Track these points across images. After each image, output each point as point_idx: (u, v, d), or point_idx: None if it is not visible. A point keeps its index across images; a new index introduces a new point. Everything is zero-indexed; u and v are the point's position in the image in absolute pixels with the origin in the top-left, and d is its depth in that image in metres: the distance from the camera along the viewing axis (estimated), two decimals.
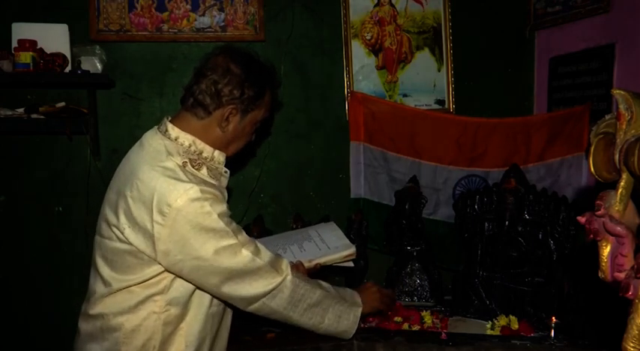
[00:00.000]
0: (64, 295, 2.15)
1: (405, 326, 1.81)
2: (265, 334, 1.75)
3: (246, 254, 1.34)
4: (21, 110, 2.00)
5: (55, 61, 1.96)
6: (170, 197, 1.27)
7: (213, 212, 1.30)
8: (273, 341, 1.72)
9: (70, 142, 2.16)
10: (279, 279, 1.39)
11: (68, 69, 2.02)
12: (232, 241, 1.33)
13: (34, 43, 1.95)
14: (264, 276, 1.37)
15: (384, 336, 1.72)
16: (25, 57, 1.91)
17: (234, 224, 1.37)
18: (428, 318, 1.83)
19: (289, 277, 1.42)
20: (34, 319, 2.18)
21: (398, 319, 1.83)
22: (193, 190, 1.28)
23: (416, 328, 1.80)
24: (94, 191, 2.13)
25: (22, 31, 1.97)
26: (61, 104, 2.01)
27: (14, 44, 1.94)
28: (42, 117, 1.98)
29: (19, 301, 2.18)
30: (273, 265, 1.40)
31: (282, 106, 2.23)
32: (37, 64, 1.93)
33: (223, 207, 1.35)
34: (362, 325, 1.81)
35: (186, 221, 1.28)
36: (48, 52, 1.97)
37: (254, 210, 2.30)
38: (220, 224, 1.31)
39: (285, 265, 1.44)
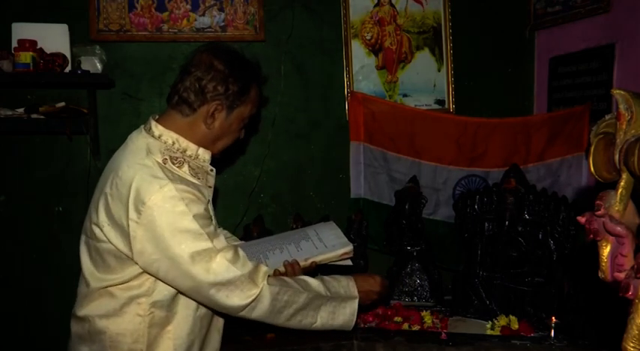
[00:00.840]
0: (64, 295, 2.13)
1: (405, 326, 1.81)
2: (265, 334, 1.75)
3: (220, 261, 1.29)
4: (21, 110, 2.00)
5: (55, 61, 1.96)
6: (145, 195, 1.25)
7: (188, 212, 1.26)
8: (273, 341, 1.72)
9: (70, 142, 2.16)
10: (255, 291, 1.32)
11: (68, 69, 2.02)
12: (207, 245, 1.28)
13: (34, 43, 1.95)
14: (240, 287, 1.31)
15: (384, 336, 1.72)
16: (25, 57, 1.91)
17: (211, 228, 1.32)
18: (428, 318, 1.84)
19: (265, 288, 1.34)
20: (34, 319, 2.18)
21: (398, 319, 1.83)
22: (168, 188, 1.25)
23: (416, 328, 1.80)
24: (93, 191, 2.13)
25: (22, 31, 1.97)
26: (61, 104, 2.01)
27: (14, 44, 1.94)
28: (42, 117, 1.98)
29: (19, 301, 2.18)
30: (251, 276, 1.33)
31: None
32: (37, 64, 1.93)
33: (200, 208, 1.30)
34: (362, 325, 1.81)
35: (161, 220, 1.25)
36: (48, 52, 1.97)
37: (254, 210, 2.30)
38: (195, 226, 1.27)
39: (262, 276, 1.36)
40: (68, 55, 2.03)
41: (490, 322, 1.81)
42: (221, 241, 1.33)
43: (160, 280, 1.32)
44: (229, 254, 1.31)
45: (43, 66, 1.95)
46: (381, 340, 1.69)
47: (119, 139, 2.17)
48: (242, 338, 1.73)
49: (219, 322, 1.51)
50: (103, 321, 1.33)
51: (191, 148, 1.39)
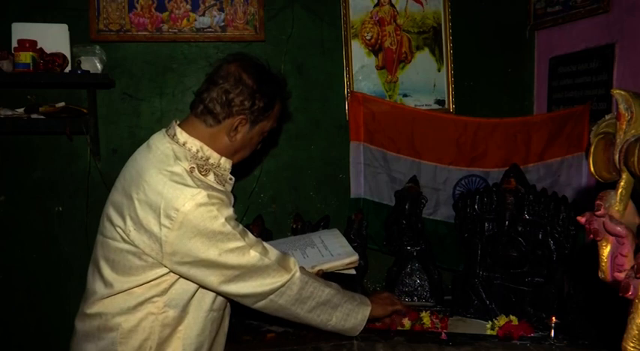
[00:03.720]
0: (64, 295, 2.15)
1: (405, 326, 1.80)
2: (265, 334, 1.75)
3: (254, 255, 1.36)
4: (21, 110, 2.00)
5: (55, 61, 1.96)
6: (177, 202, 1.28)
7: (220, 216, 1.31)
8: (273, 341, 1.72)
9: (70, 142, 2.16)
10: (287, 276, 1.40)
11: (68, 69, 2.02)
12: (240, 243, 1.34)
13: (34, 43, 1.94)
14: (272, 274, 1.38)
15: (384, 336, 1.72)
16: (25, 57, 1.91)
17: (240, 227, 1.38)
18: (427, 318, 1.83)
19: (297, 275, 1.43)
20: (34, 319, 2.18)
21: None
22: (201, 195, 1.29)
23: (416, 328, 1.80)
24: (94, 191, 2.13)
25: (22, 31, 1.97)
26: (61, 104, 2.01)
27: (14, 44, 1.94)
28: (42, 117, 1.98)
29: (18, 301, 2.18)
30: (281, 264, 1.41)
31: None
32: (37, 64, 1.93)
33: (230, 211, 1.36)
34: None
35: (194, 225, 1.29)
36: (48, 52, 1.97)
37: (254, 210, 2.30)
38: (227, 228, 1.32)
39: (294, 263, 1.45)
40: (68, 55, 2.03)
41: (490, 322, 1.81)
42: (250, 236, 1.39)
43: (187, 279, 1.36)
44: (260, 248, 1.39)
45: (43, 66, 1.95)
46: (381, 340, 1.69)
47: (119, 139, 2.21)
48: (242, 338, 1.73)
49: (226, 327, 1.54)
50: (117, 318, 1.35)
51: (214, 156, 1.42)
